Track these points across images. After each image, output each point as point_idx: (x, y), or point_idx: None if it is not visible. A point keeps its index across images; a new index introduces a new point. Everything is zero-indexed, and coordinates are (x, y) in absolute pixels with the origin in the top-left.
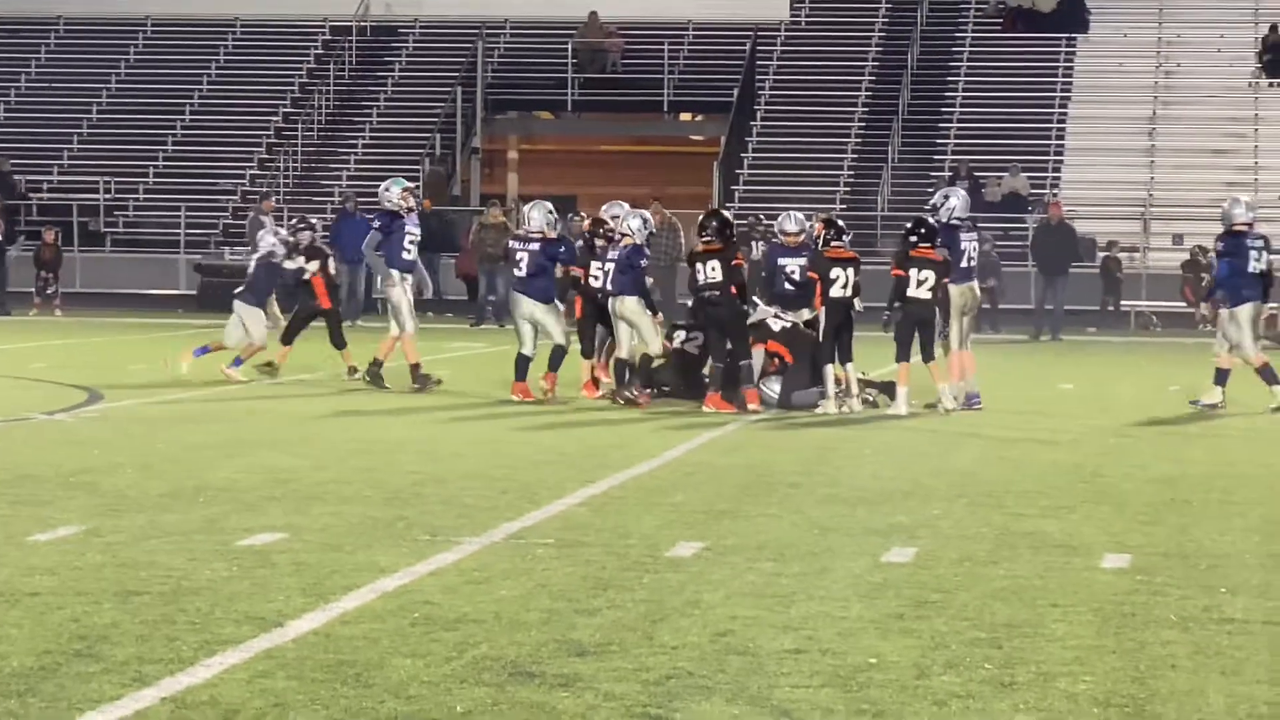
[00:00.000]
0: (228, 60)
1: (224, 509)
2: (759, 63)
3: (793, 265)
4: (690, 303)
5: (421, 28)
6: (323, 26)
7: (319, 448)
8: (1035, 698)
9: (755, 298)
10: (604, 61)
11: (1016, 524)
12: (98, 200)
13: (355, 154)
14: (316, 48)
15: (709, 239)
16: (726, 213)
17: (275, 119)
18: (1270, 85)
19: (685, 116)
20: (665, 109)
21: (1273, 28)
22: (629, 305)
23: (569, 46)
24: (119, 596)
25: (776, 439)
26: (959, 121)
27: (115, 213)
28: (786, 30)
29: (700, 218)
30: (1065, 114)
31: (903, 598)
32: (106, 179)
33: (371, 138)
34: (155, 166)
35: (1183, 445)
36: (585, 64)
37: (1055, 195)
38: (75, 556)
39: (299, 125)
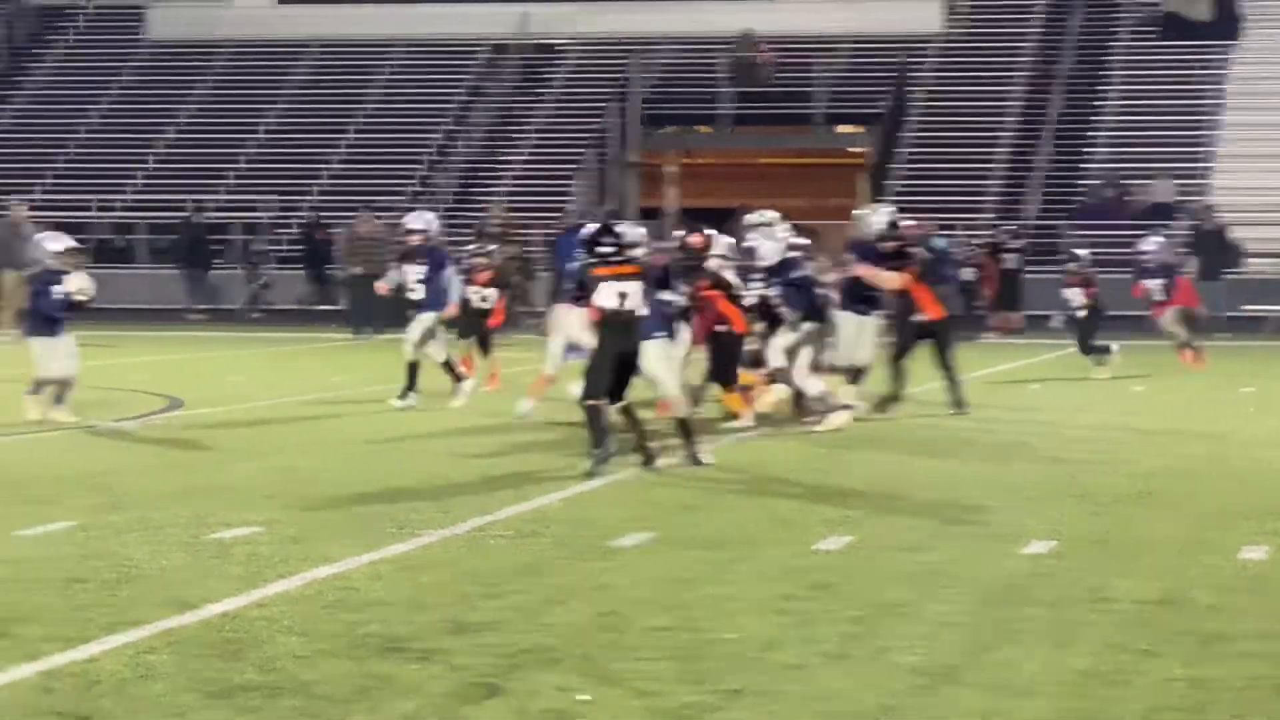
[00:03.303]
0: (390, 80)
1: (217, 506)
2: (910, 74)
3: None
4: None
5: (579, 45)
6: (483, 46)
7: (347, 450)
8: (860, 668)
9: None
10: (758, 75)
11: (965, 514)
12: (260, 219)
13: (514, 170)
14: (477, 66)
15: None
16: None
17: (437, 137)
18: None
19: (843, 129)
20: (817, 121)
21: None
22: None
23: (723, 61)
24: (62, 584)
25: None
26: (1109, 130)
27: (278, 231)
28: (939, 41)
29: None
30: (1217, 120)
31: (804, 581)
32: (270, 198)
33: (530, 154)
34: (319, 185)
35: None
36: (740, 78)
37: (1203, 201)
38: (47, 549)
39: (459, 143)
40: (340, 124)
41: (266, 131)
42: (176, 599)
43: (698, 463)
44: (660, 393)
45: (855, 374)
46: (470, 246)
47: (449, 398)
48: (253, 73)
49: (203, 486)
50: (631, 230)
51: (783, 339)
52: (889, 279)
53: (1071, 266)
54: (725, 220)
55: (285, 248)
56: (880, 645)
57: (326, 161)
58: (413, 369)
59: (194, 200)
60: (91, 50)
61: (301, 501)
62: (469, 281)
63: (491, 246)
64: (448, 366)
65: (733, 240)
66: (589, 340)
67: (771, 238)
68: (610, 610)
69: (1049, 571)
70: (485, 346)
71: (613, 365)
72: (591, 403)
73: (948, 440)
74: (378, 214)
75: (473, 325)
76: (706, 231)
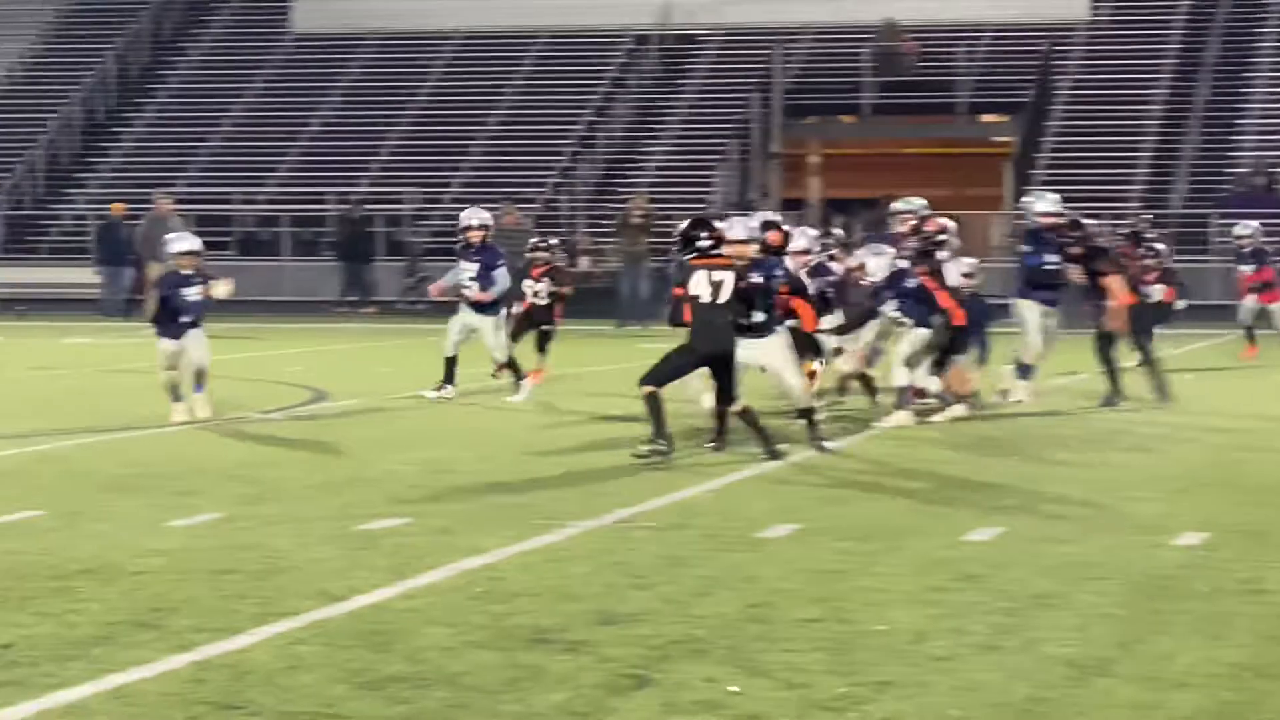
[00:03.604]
0: (532, 71)
1: (364, 498)
2: (1055, 62)
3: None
4: None
5: (721, 35)
6: (625, 36)
7: (492, 442)
8: (1011, 660)
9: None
10: (900, 65)
11: (1116, 505)
12: (402, 211)
13: (655, 161)
14: (619, 58)
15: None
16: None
17: (578, 128)
18: None
19: (986, 118)
20: (961, 110)
21: None
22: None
23: (866, 51)
24: (210, 575)
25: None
26: (1258, 117)
27: (419, 223)
28: (1085, 29)
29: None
30: None
31: (953, 572)
32: (411, 190)
33: (672, 145)
34: (459, 177)
35: None
36: (882, 68)
37: None
38: (196, 540)
39: (600, 134)
40: (482, 115)
41: (409, 123)
42: (325, 590)
43: (823, 449)
44: (784, 385)
45: (1025, 368)
46: (531, 240)
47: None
48: (395, 64)
49: (349, 478)
50: (737, 224)
51: (905, 347)
52: (1117, 289)
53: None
54: (869, 210)
55: (429, 239)
56: (1031, 637)
57: (468, 153)
58: (451, 363)
59: (337, 192)
60: (236, 43)
61: (448, 493)
62: (526, 275)
63: (553, 240)
64: (511, 365)
65: (816, 233)
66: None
67: (880, 253)
68: (759, 601)
69: (1201, 563)
70: (543, 341)
71: (692, 364)
72: (648, 389)
73: (1097, 431)
74: (520, 205)
75: (530, 321)
76: (784, 227)
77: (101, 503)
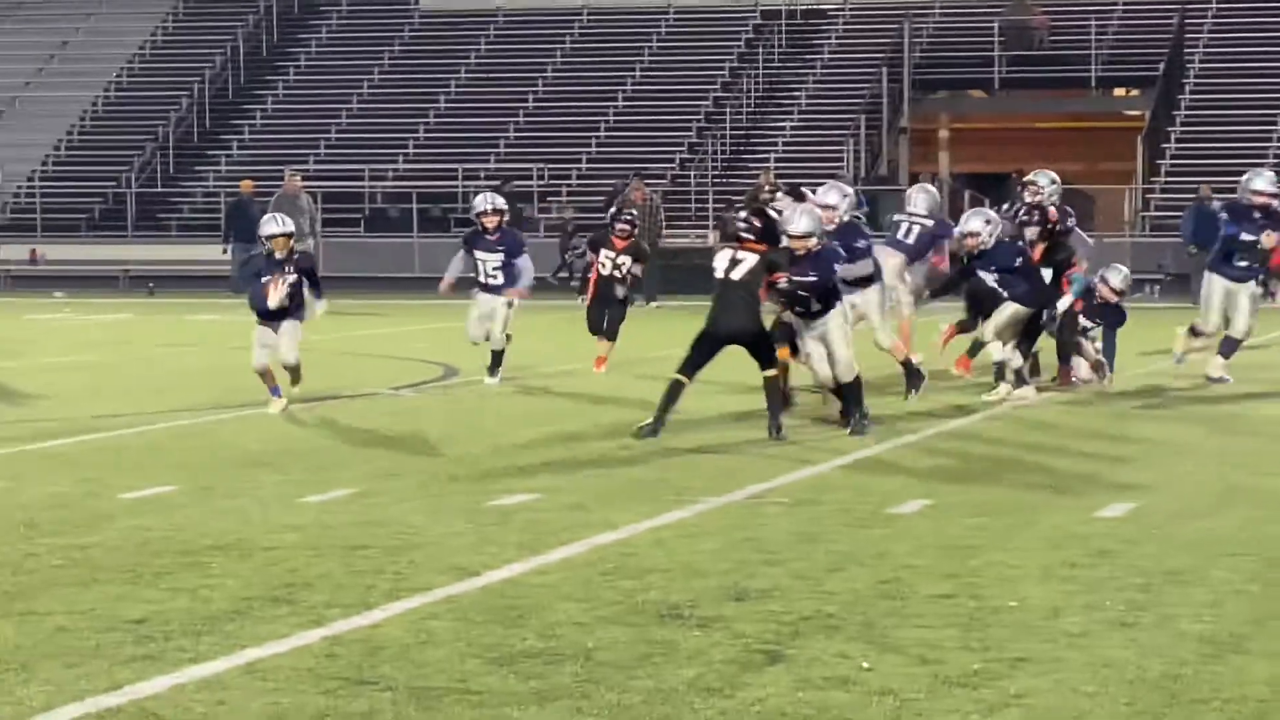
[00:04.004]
0: (660, 46)
1: (496, 473)
2: (1187, 34)
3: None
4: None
5: (849, 10)
6: (753, 11)
7: (623, 417)
8: (1145, 636)
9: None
10: (1031, 38)
11: (1247, 480)
12: (531, 187)
13: (783, 136)
14: (747, 32)
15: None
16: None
17: (705, 104)
18: None
19: (1119, 92)
20: (1092, 84)
21: None
22: None
23: (995, 25)
24: (344, 550)
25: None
26: None
27: (548, 199)
28: (1216, 1)
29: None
30: None
31: (1087, 548)
32: (541, 166)
33: (800, 119)
34: (589, 153)
35: None
36: (1012, 41)
37: None
38: (329, 516)
39: (728, 109)
40: (610, 90)
41: (536, 99)
42: (457, 566)
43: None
44: (833, 355)
45: (1232, 343)
46: (611, 210)
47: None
48: (522, 42)
49: (482, 453)
50: (802, 218)
51: (996, 320)
52: None
53: None
54: (999, 185)
55: (554, 216)
56: (1166, 613)
57: (595, 130)
58: (498, 355)
59: (466, 169)
60: (364, 20)
61: (580, 468)
62: (606, 247)
63: (633, 211)
64: (500, 352)
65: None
66: (902, 290)
67: (990, 221)
68: (891, 577)
69: None
70: (614, 324)
71: (714, 345)
72: (678, 377)
73: (1230, 406)
74: (648, 181)
75: (605, 298)
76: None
77: (235, 478)
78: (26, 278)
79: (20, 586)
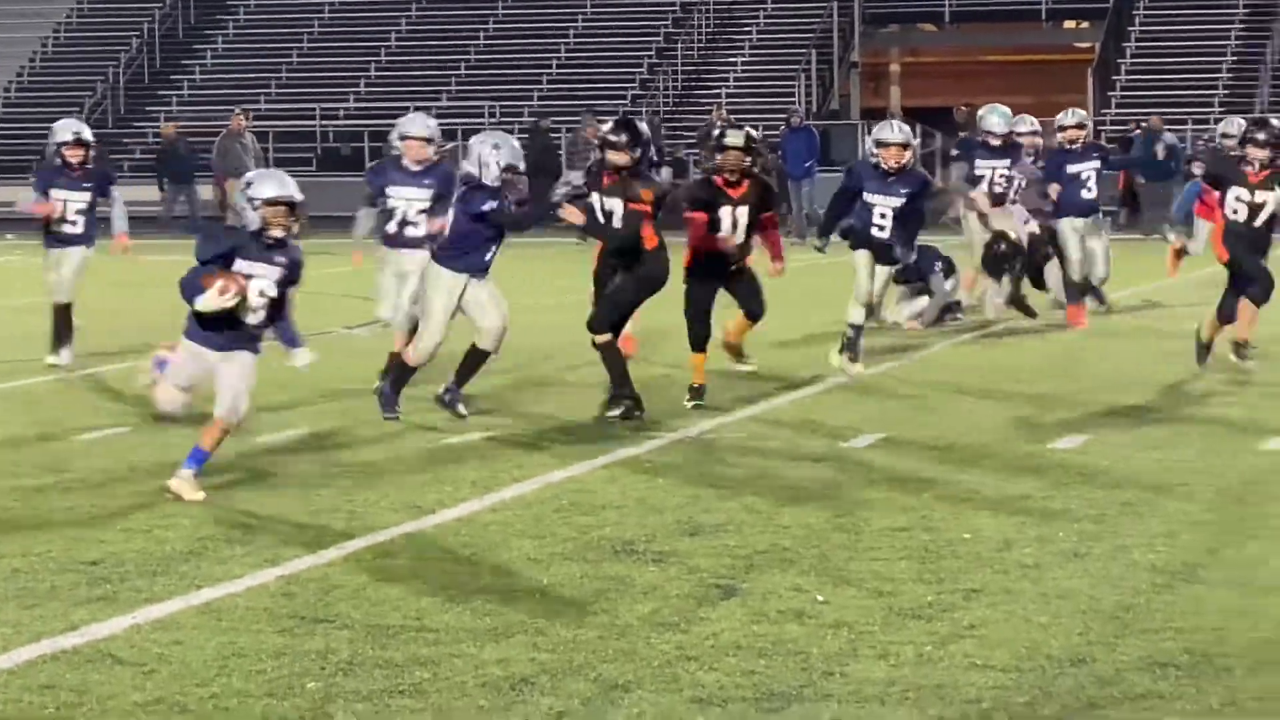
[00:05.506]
0: None
1: (444, 414)
2: None
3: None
4: None
5: None
6: None
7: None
8: (1098, 567)
9: None
10: None
11: (1202, 412)
12: (482, 125)
13: (735, 71)
14: None
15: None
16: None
17: (657, 39)
18: None
19: (1069, 24)
20: (1043, 17)
21: None
22: None
23: None
24: (299, 490)
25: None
26: None
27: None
28: None
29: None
30: None
31: (1041, 481)
32: (492, 104)
33: (751, 54)
34: (540, 90)
35: None
36: None
37: None
38: (284, 455)
39: (679, 45)
40: (561, 28)
41: (486, 38)
42: (412, 504)
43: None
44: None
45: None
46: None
47: None
48: None
49: (436, 392)
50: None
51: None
52: None
53: None
54: (946, 117)
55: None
56: (1119, 544)
57: (548, 67)
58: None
59: (418, 107)
60: None
61: (534, 405)
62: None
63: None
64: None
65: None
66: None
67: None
68: (845, 511)
69: None
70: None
71: (629, 300)
72: (601, 339)
73: (1186, 339)
74: (599, 117)
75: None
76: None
77: (189, 419)
78: None
79: None
